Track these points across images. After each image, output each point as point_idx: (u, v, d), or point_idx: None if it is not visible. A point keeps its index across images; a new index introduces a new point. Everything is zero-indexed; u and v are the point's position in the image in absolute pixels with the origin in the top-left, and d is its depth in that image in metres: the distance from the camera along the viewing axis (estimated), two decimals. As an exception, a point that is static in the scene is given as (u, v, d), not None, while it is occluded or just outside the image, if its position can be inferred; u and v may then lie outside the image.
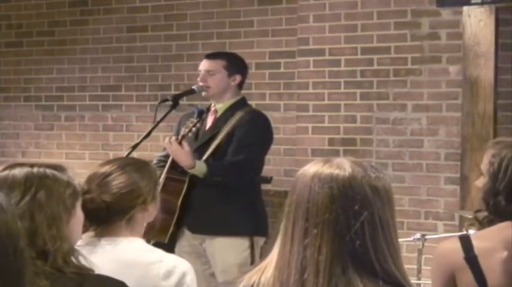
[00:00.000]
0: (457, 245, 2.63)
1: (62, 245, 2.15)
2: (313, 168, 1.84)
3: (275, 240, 2.46)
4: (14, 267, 1.37)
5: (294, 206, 1.83)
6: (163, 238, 4.67)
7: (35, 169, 2.22)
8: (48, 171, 2.23)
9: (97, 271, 2.25)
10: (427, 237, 4.79)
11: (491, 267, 2.57)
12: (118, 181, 2.72)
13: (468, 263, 2.59)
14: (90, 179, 2.71)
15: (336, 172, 1.81)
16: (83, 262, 2.21)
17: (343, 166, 1.82)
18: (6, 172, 2.22)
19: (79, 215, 2.30)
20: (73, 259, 2.18)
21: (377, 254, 1.76)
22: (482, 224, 2.72)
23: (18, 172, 2.21)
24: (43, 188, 2.19)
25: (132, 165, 2.81)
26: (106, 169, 2.76)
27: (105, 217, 2.67)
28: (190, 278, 2.70)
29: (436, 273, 2.68)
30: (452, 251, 2.64)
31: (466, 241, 2.63)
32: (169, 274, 2.67)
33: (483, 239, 2.64)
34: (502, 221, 2.63)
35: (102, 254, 2.58)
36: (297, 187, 1.84)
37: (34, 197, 2.17)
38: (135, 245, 2.73)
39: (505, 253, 2.56)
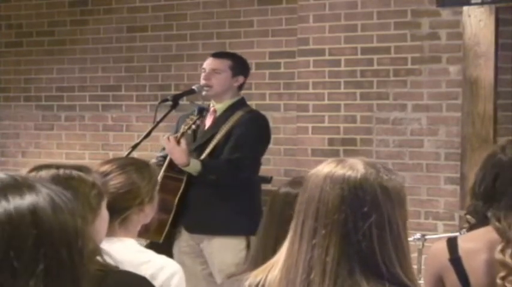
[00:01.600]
0: (443, 247, 2.66)
1: (87, 244, 2.17)
2: (326, 168, 1.85)
3: (260, 239, 2.46)
4: (69, 269, 1.36)
5: (305, 205, 1.83)
6: (159, 238, 4.66)
7: (61, 171, 2.26)
8: (74, 172, 2.27)
9: None
10: (427, 237, 4.80)
11: (475, 268, 2.59)
12: (116, 181, 2.72)
13: (452, 265, 2.61)
14: None
15: (349, 173, 1.81)
16: (108, 260, 2.22)
17: (356, 167, 1.82)
18: (32, 174, 2.25)
19: (104, 215, 2.33)
20: (98, 258, 2.20)
21: (383, 256, 1.77)
22: (470, 226, 2.75)
23: (44, 173, 2.24)
24: (69, 189, 2.20)
25: (132, 165, 2.81)
26: (106, 168, 2.76)
27: None
28: (178, 279, 2.69)
29: (427, 274, 2.72)
30: (439, 253, 2.66)
31: (452, 243, 2.66)
32: (155, 274, 2.67)
33: (469, 241, 2.67)
34: (482, 224, 2.65)
35: None
36: (309, 186, 1.84)
37: None
38: (127, 245, 2.73)
39: (488, 255, 2.58)
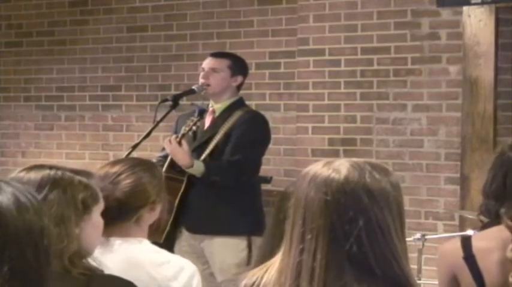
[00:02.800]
0: (457, 245, 2.66)
1: (69, 245, 2.16)
2: (312, 170, 1.82)
3: (267, 239, 2.47)
4: (35, 269, 1.35)
5: (293, 209, 1.82)
6: (159, 238, 4.66)
7: (53, 171, 2.25)
8: (67, 174, 2.26)
9: (108, 271, 2.26)
10: (427, 237, 4.79)
11: (489, 267, 2.59)
12: (129, 180, 2.75)
13: (466, 263, 2.61)
14: (102, 178, 2.72)
15: (331, 176, 1.78)
16: (93, 263, 2.22)
17: (339, 170, 1.79)
18: (23, 173, 2.26)
19: (95, 221, 2.31)
20: (83, 261, 2.19)
21: (378, 259, 1.74)
22: (483, 225, 2.75)
23: (34, 173, 2.25)
24: (56, 189, 2.21)
25: (141, 165, 2.84)
26: (117, 168, 2.79)
27: (116, 215, 2.67)
28: (197, 280, 2.73)
29: (440, 273, 2.71)
30: (452, 252, 2.66)
31: (466, 241, 2.66)
32: (177, 275, 2.70)
33: (482, 239, 2.67)
34: (495, 222, 2.65)
35: (115, 254, 2.60)
36: (297, 189, 1.83)
37: (45, 198, 2.19)
38: (144, 245, 2.75)
39: (501, 253, 2.57)
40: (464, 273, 2.62)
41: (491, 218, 2.68)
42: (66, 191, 2.23)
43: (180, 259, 2.79)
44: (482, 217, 2.76)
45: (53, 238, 1.41)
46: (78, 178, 2.27)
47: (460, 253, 2.63)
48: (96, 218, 2.31)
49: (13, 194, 1.36)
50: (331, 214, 1.75)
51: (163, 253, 2.78)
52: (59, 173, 2.25)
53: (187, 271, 2.72)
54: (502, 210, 2.61)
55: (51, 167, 2.27)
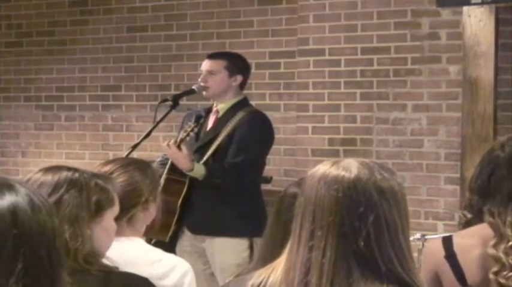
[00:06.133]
0: (438, 244, 2.68)
1: (84, 245, 2.19)
2: (321, 169, 1.86)
3: (266, 239, 2.48)
4: (48, 268, 1.37)
5: (302, 208, 1.84)
6: (165, 237, 4.68)
7: (70, 173, 2.29)
8: (84, 176, 2.29)
9: None
10: (427, 237, 4.80)
11: (470, 263, 2.61)
12: (121, 179, 2.74)
13: (448, 262, 2.63)
14: None
15: (342, 173, 1.82)
16: (107, 262, 2.26)
17: (349, 168, 1.82)
18: (39, 174, 2.29)
19: (106, 224, 2.34)
20: (98, 260, 2.21)
21: (383, 256, 1.77)
22: (466, 221, 2.76)
23: (52, 174, 2.28)
24: (72, 190, 2.24)
25: (133, 164, 2.84)
26: (109, 167, 2.78)
27: None
28: (190, 278, 2.72)
29: (423, 273, 2.73)
30: (434, 251, 2.69)
31: (447, 240, 2.68)
32: (168, 273, 2.70)
33: (464, 237, 2.69)
34: (477, 218, 2.67)
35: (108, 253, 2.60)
36: (305, 188, 1.86)
37: (61, 198, 2.22)
38: (137, 244, 2.75)
39: (482, 250, 2.59)
40: (446, 272, 2.64)
41: (474, 214, 2.70)
42: (82, 192, 2.26)
43: (172, 258, 2.79)
44: (465, 212, 2.77)
45: (64, 239, 1.43)
46: (95, 180, 2.30)
47: (441, 252, 2.65)
48: (107, 222, 2.33)
49: (27, 194, 1.39)
50: (341, 210, 1.78)
51: (156, 252, 2.78)
52: (76, 174, 2.29)
53: (180, 269, 2.72)
54: (485, 208, 2.63)
55: (69, 169, 2.31)
